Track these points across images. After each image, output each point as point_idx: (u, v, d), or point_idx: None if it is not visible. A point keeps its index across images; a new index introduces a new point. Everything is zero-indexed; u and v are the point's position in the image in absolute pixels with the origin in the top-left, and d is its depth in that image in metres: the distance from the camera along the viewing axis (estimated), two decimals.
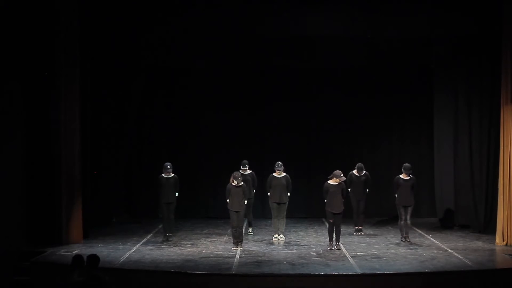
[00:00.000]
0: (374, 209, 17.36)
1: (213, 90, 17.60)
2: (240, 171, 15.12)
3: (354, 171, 15.49)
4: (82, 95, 14.28)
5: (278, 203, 14.73)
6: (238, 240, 13.76)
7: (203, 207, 16.82)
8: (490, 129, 15.17)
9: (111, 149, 16.57)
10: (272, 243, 14.40)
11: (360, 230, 15.47)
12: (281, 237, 14.74)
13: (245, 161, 15.26)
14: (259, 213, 16.81)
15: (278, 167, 14.72)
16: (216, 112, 17.64)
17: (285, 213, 14.85)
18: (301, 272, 11.80)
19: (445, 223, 16.44)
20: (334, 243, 13.69)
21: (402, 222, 14.41)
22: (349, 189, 15.20)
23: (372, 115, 17.78)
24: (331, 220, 13.69)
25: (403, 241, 14.30)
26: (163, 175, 14.51)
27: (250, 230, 15.32)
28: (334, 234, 13.73)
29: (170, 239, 14.48)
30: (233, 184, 13.73)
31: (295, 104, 17.71)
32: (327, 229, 14.13)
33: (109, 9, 14.81)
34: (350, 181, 15.34)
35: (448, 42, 16.02)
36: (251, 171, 15.22)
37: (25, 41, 13.79)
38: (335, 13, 15.02)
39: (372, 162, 17.60)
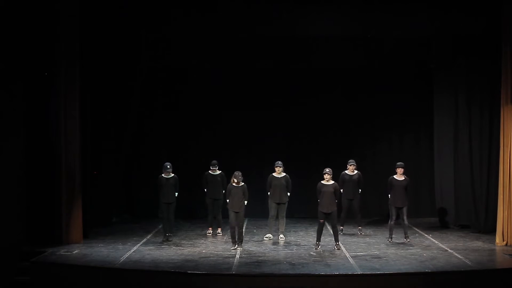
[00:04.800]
0: (374, 209, 17.38)
1: (213, 90, 17.60)
2: (209, 171, 15.16)
3: (347, 171, 15.42)
4: (82, 95, 14.28)
5: (278, 203, 14.73)
6: (236, 240, 13.75)
7: (203, 207, 16.78)
8: (490, 129, 15.18)
9: (111, 149, 16.54)
10: (272, 243, 14.39)
11: (360, 230, 15.45)
12: (281, 237, 14.74)
13: (214, 161, 15.28)
14: (259, 213, 16.79)
15: (278, 165, 14.71)
16: (216, 112, 17.65)
17: (285, 213, 14.85)
18: (301, 272, 11.81)
19: (445, 223, 16.43)
20: (322, 242, 13.69)
21: (392, 222, 14.42)
22: (341, 189, 15.10)
23: (372, 115, 17.79)
24: (322, 220, 13.70)
25: (389, 242, 14.30)
26: (163, 175, 14.52)
27: (219, 231, 15.29)
28: (332, 234, 13.78)
29: (170, 239, 14.49)
30: (233, 184, 13.74)
31: (295, 104, 17.72)
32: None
33: (109, 9, 14.82)
34: (342, 181, 15.30)
35: (448, 42, 16.01)
36: (220, 171, 15.24)
37: (26, 41, 13.79)
38: (335, 13, 15.02)
39: (372, 162, 17.63)
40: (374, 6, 14.78)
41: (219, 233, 15.21)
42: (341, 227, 15.34)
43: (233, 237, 13.79)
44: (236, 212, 13.69)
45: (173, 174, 14.58)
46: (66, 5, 13.91)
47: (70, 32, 13.95)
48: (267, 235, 14.80)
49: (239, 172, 13.83)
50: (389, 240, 14.37)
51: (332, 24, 15.14)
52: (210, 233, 15.28)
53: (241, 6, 14.81)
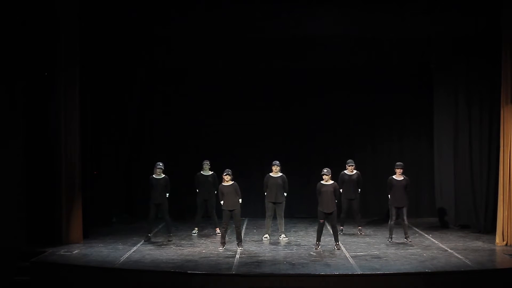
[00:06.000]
0: (374, 209, 17.37)
1: (213, 91, 17.60)
2: (201, 172, 15.15)
3: (346, 171, 15.40)
4: (82, 95, 14.29)
5: (274, 203, 14.71)
6: (225, 241, 13.70)
7: (203, 207, 16.79)
8: (490, 129, 15.18)
9: (111, 149, 16.57)
10: (272, 243, 14.39)
11: (360, 230, 15.44)
12: (283, 237, 14.72)
13: (206, 161, 15.27)
14: (259, 213, 16.80)
15: (276, 165, 14.69)
16: (216, 113, 17.65)
17: (283, 213, 14.81)
18: (301, 272, 11.81)
19: (445, 223, 16.43)
20: (322, 243, 13.69)
21: (392, 223, 14.40)
22: (341, 189, 15.10)
23: (372, 115, 17.78)
24: (322, 220, 13.70)
25: (389, 242, 14.29)
26: (154, 175, 14.51)
27: (217, 231, 15.27)
28: (332, 234, 13.79)
29: (170, 239, 14.49)
30: (224, 183, 13.71)
31: (295, 103, 17.72)
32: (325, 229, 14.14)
33: (109, 9, 14.82)
34: (342, 181, 15.29)
35: (448, 42, 16.00)
36: (212, 172, 15.26)
37: (26, 41, 13.80)
38: (335, 13, 15.03)
39: (372, 162, 17.63)
40: (374, 6, 14.79)
41: (218, 233, 15.21)
42: (341, 227, 15.35)
43: (222, 237, 13.73)
44: (231, 211, 13.64)
45: (164, 175, 14.55)
46: (66, 5, 13.92)
47: (70, 32, 13.96)
48: (265, 236, 14.79)
49: (228, 170, 13.81)
50: (389, 240, 14.37)
51: (332, 24, 15.15)
52: (195, 233, 15.29)
53: (240, 7, 14.81)
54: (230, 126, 17.65)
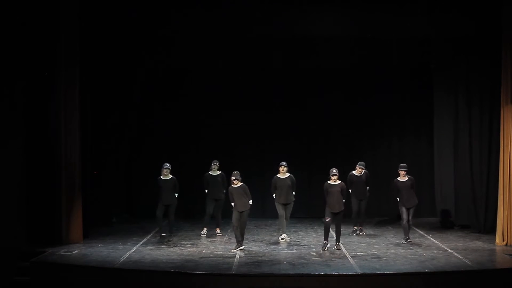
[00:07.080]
0: (374, 209, 17.36)
1: (214, 91, 17.60)
2: (209, 172, 15.13)
3: (354, 171, 15.41)
4: (82, 95, 14.29)
5: (284, 204, 14.68)
6: (240, 240, 13.67)
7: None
8: (490, 129, 15.17)
9: (111, 149, 16.57)
10: (272, 243, 14.38)
11: (361, 230, 15.43)
12: (283, 237, 14.69)
13: (214, 162, 15.24)
14: (259, 213, 16.81)
15: (283, 165, 14.62)
16: (216, 113, 17.65)
17: (289, 214, 14.77)
18: (301, 272, 11.81)
19: (445, 223, 16.44)
20: (329, 242, 13.66)
21: (404, 223, 14.33)
22: (350, 190, 15.11)
23: (372, 115, 17.78)
24: (328, 218, 13.66)
25: (405, 242, 14.23)
26: (161, 177, 14.52)
27: (218, 231, 15.27)
28: (334, 233, 13.76)
29: (170, 239, 14.49)
30: (233, 185, 13.71)
31: (296, 104, 17.72)
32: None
33: (109, 9, 14.83)
34: (350, 181, 15.29)
35: (448, 42, 16.00)
36: (220, 172, 15.21)
37: (26, 41, 13.80)
38: (335, 13, 15.03)
39: (372, 162, 17.57)
40: (374, 6, 14.79)
41: (219, 233, 15.21)
42: (354, 227, 15.33)
43: (237, 237, 13.72)
44: (240, 212, 13.65)
45: (171, 176, 14.55)
46: (66, 5, 13.91)
47: (70, 32, 13.96)
48: (282, 236, 14.71)
49: (236, 171, 13.80)
50: (405, 241, 14.22)
51: (332, 24, 15.15)
52: (204, 233, 15.24)
53: (240, 7, 14.81)
54: (230, 126, 17.65)
